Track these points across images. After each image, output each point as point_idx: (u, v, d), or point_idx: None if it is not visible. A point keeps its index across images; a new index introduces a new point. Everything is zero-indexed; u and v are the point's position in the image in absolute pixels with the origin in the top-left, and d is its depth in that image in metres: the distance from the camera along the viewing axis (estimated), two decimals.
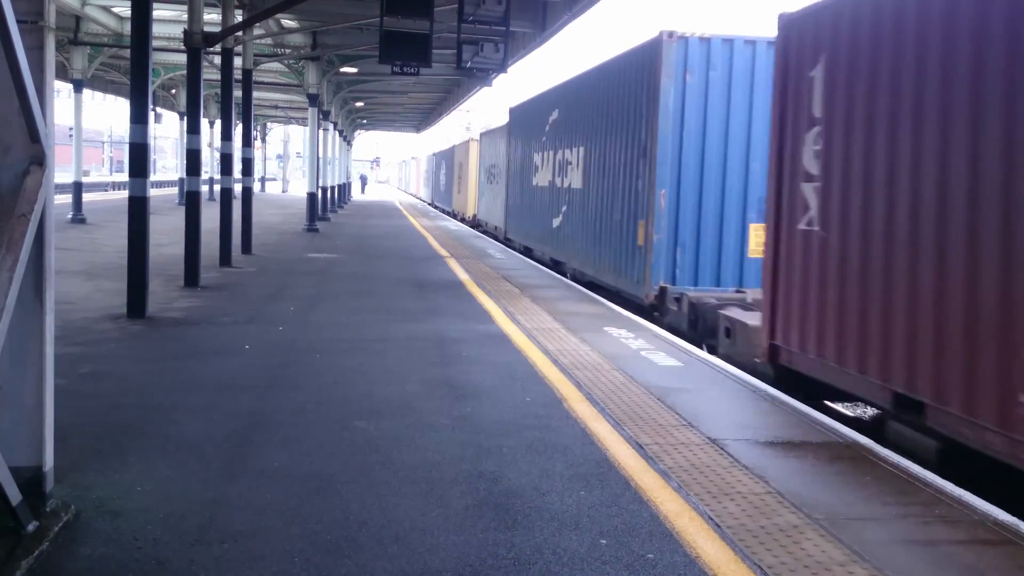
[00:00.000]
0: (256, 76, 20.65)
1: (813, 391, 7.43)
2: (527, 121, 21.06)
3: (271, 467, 4.91)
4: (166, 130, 59.62)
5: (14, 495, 3.65)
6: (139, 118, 9.88)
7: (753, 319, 8.75)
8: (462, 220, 35.35)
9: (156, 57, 23.96)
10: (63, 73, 22.90)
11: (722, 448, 5.53)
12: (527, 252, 20.35)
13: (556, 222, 17.10)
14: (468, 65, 14.14)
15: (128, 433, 5.44)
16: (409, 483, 4.71)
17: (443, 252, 19.44)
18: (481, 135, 31.82)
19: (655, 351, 8.66)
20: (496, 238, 25.20)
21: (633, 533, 4.16)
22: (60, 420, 4.27)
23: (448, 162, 45.51)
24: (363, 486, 4.65)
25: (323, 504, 4.37)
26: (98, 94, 39.92)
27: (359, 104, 41.43)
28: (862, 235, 6.60)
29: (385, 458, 5.13)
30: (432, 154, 59.44)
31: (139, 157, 10.02)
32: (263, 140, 59.39)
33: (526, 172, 20.65)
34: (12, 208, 3.82)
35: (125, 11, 21.38)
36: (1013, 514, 4.62)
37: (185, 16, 13.37)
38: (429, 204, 54.57)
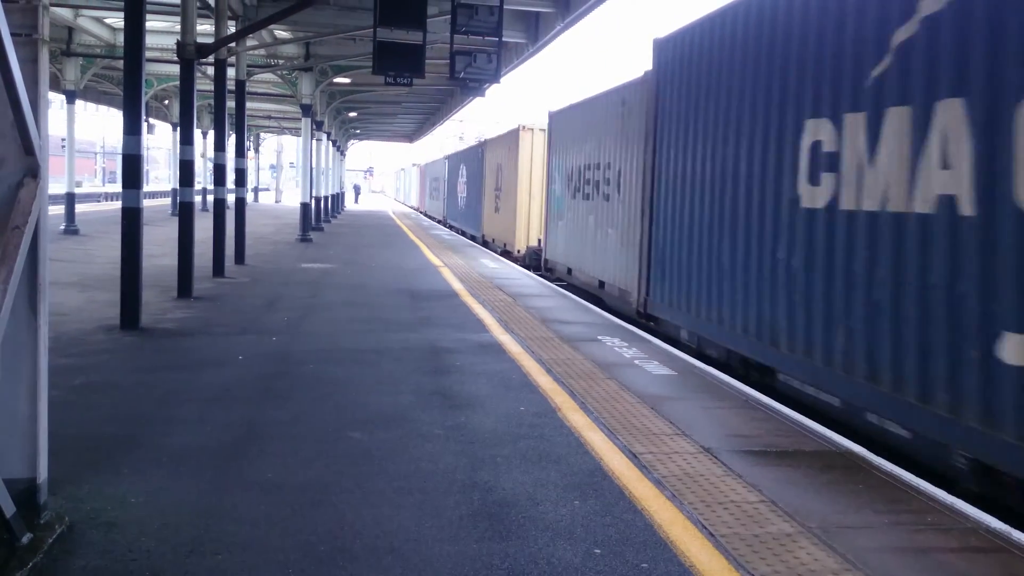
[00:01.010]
0: (249, 87, 20.68)
1: None
2: (782, 35, 8.20)
3: (265, 478, 4.91)
4: (159, 141, 59.79)
5: (8, 507, 3.65)
6: (132, 129, 9.89)
7: None
8: (505, 253, 23.10)
9: (149, 68, 24.00)
10: (56, 84, 22.91)
11: (716, 457, 5.55)
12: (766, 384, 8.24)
13: None
14: (461, 75, 14.19)
15: (122, 444, 5.44)
16: (403, 493, 4.72)
17: (436, 262, 19.44)
18: (553, 115, 18.27)
19: (649, 360, 8.67)
20: (600, 303, 13.69)
21: (627, 543, 4.17)
22: (54, 432, 4.27)
23: (473, 166, 31.92)
24: (357, 496, 4.65)
25: (317, 515, 4.37)
26: (90, 105, 39.89)
27: (352, 114, 41.48)
28: None
29: (379, 468, 5.13)
30: (444, 157, 46.35)
31: (132, 168, 10.02)
32: (256, 150, 59.37)
33: (765, 177, 8.32)
34: (6, 220, 3.83)
35: (118, 22, 21.41)
36: (1006, 522, 4.64)
37: (178, 27, 13.40)
38: (439, 222, 42.58)
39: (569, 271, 16.36)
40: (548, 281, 16.33)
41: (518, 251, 22.36)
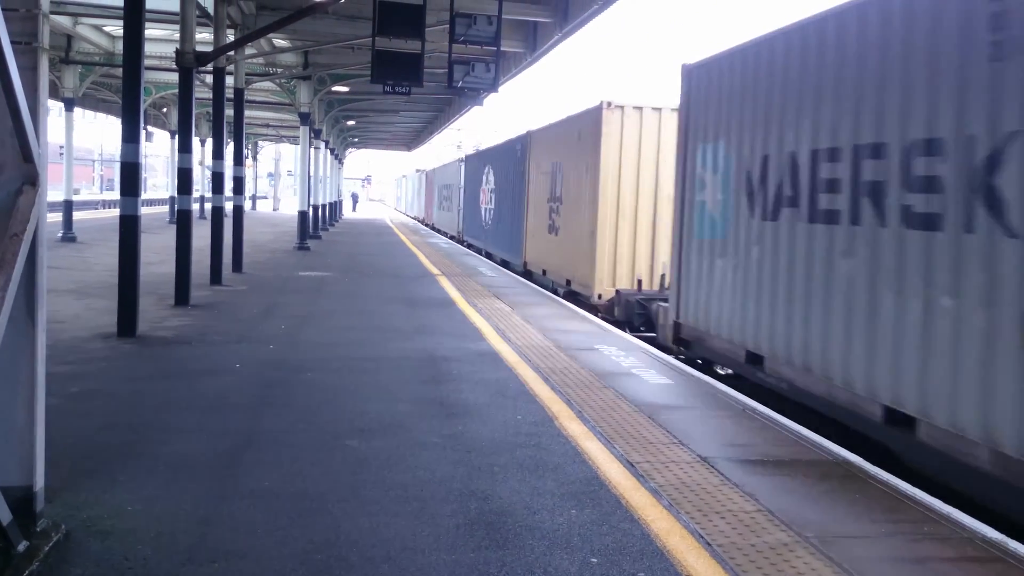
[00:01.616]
0: (248, 95, 20.69)
1: None
2: None
3: (262, 486, 4.90)
4: (157, 148, 59.73)
5: (4, 515, 3.64)
6: (131, 137, 9.90)
7: None
8: (571, 295, 16.30)
9: (147, 76, 23.98)
10: (54, 92, 22.92)
11: (712, 466, 5.55)
12: None
13: None
14: (459, 84, 14.20)
15: (118, 452, 5.43)
16: (400, 502, 4.71)
17: (434, 270, 19.45)
18: (694, 69, 10.58)
19: (646, 369, 8.68)
20: (886, 459, 6.29)
21: (624, 552, 4.17)
22: (51, 439, 4.26)
23: (506, 168, 24.20)
24: (354, 505, 4.65)
25: (314, 523, 4.37)
26: (89, 112, 39.89)
27: (351, 123, 41.54)
28: None
29: (376, 477, 5.13)
30: (459, 160, 37.31)
31: (131, 176, 10.03)
32: (254, 158, 59.40)
33: None
34: (4, 227, 3.83)
35: (117, 30, 21.44)
36: (1002, 531, 4.65)
37: (177, 35, 13.42)
38: (452, 238, 35.32)
39: (757, 361, 8.60)
40: (686, 365, 9.59)
41: (598, 296, 14.80)
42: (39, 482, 4.06)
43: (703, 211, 10.15)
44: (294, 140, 49.36)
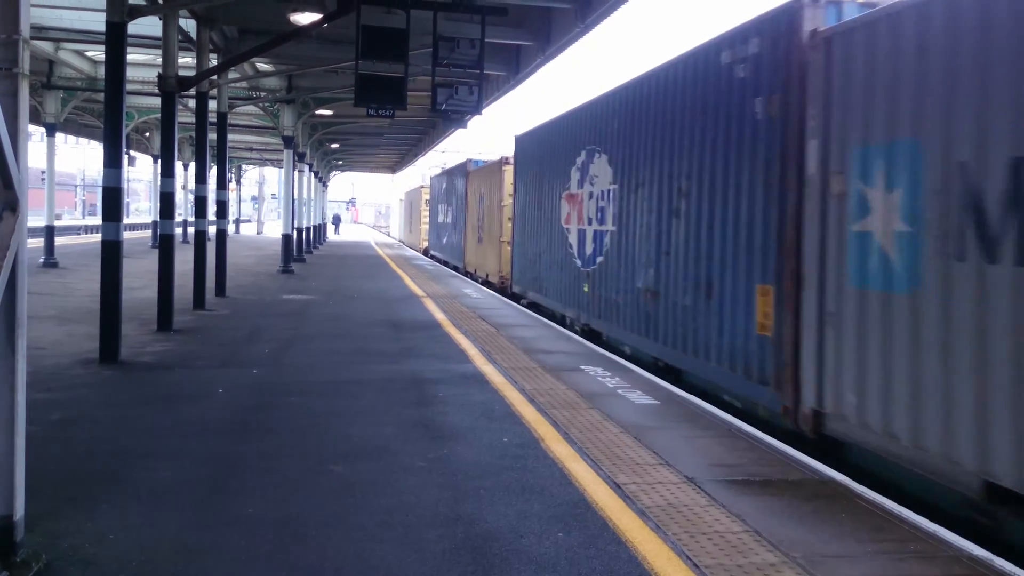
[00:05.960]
0: (231, 119, 20.68)
1: None
2: None
3: (245, 513, 4.85)
4: (139, 172, 59.57)
5: None
6: (113, 162, 9.86)
7: None
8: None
9: (129, 100, 23.99)
10: (36, 117, 22.83)
11: (699, 487, 5.54)
12: None
13: None
14: (443, 107, 14.21)
15: (100, 480, 5.37)
16: (385, 527, 4.68)
17: (419, 292, 19.41)
18: None
19: (632, 389, 8.67)
20: None
21: (612, 575, 4.15)
22: (31, 467, 4.21)
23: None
24: (338, 531, 4.61)
25: (298, 550, 4.33)
26: (71, 137, 39.75)
27: (334, 146, 41.52)
28: None
29: (361, 502, 5.09)
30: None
31: (112, 201, 9.98)
32: (238, 182, 59.27)
33: None
34: None
35: (99, 55, 21.40)
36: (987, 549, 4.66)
37: (159, 60, 13.41)
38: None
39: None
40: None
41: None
42: (19, 511, 4.01)
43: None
44: (278, 163, 49.34)
